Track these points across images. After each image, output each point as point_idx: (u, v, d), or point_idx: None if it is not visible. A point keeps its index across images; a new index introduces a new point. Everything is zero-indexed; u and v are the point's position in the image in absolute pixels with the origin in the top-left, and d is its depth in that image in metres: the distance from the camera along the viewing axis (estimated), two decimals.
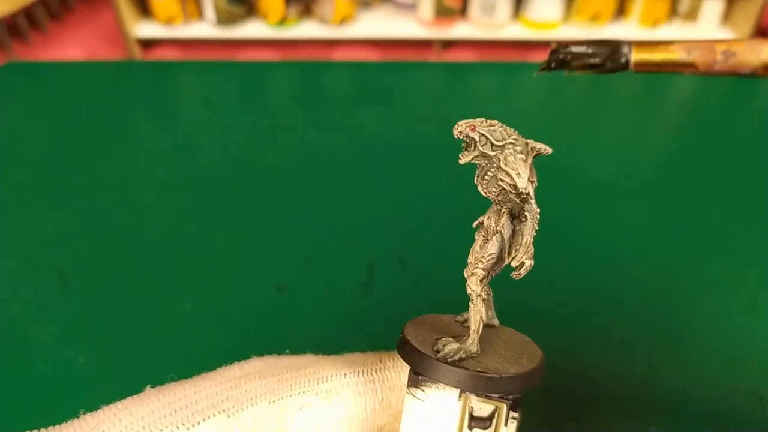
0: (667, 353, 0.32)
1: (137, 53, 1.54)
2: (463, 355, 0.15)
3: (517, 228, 0.16)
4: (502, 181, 0.15)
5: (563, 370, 0.26)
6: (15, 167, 0.48)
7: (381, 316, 0.34)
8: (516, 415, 0.14)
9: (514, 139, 0.15)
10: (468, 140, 0.15)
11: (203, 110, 0.58)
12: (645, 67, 0.13)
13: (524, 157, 0.15)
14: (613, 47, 0.14)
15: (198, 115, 0.57)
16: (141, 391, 0.15)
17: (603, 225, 0.42)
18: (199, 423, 0.14)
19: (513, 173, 0.15)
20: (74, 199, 0.45)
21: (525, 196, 0.15)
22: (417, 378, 0.15)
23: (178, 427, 0.14)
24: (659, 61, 0.13)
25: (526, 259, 0.16)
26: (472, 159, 0.15)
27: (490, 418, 0.15)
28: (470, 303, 0.16)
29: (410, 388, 0.15)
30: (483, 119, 0.15)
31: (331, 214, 0.43)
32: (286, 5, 1.51)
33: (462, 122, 0.15)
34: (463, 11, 1.54)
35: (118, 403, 0.15)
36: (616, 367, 0.31)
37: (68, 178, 0.47)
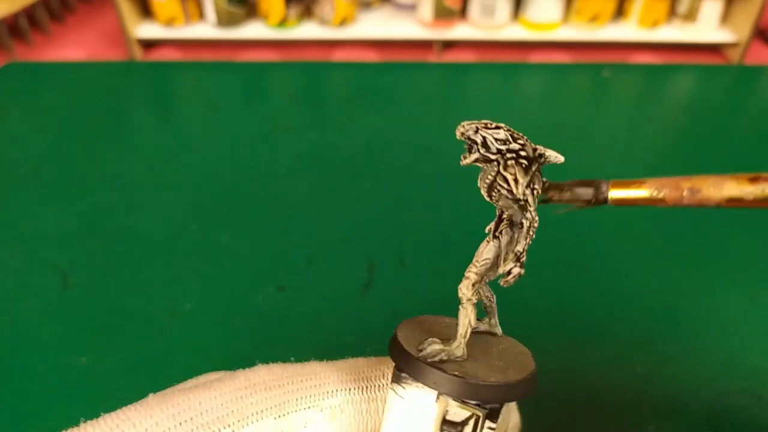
0: (666, 353, 0.32)
1: (138, 54, 1.54)
2: (445, 357, 0.15)
3: (514, 235, 0.16)
4: (500, 186, 0.15)
5: (563, 370, 0.27)
6: (16, 167, 0.48)
7: (381, 316, 0.34)
8: (493, 425, 0.14)
9: (520, 144, 0.15)
10: (470, 142, 0.15)
11: (204, 111, 0.58)
12: (621, 202, 0.14)
13: (527, 162, 0.15)
14: (594, 186, 0.15)
15: (199, 115, 0.57)
16: (143, 397, 0.15)
17: (602, 225, 0.42)
18: None
19: (510, 178, 0.15)
20: (75, 199, 0.45)
21: (523, 203, 0.15)
22: (399, 375, 0.15)
23: None
24: (633, 199, 0.14)
25: (515, 267, 0.15)
26: (474, 161, 0.15)
27: (463, 423, 0.14)
28: (460, 306, 0.16)
29: (392, 384, 0.15)
30: (489, 121, 0.15)
31: (331, 214, 0.43)
32: (287, 6, 1.51)
33: (465, 123, 0.15)
34: (462, 12, 1.54)
35: (119, 412, 0.14)
36: (616, 367, 0.31)
37: (69, 178, 0.47)
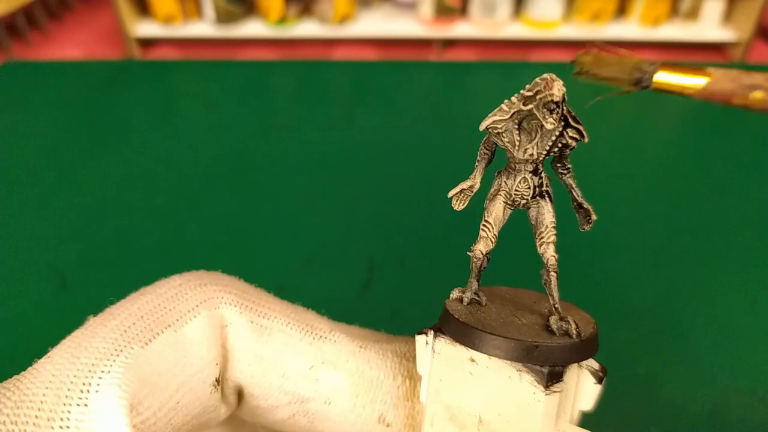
0: (667, 353, 0.32)
1: (136, 52, 1.54)
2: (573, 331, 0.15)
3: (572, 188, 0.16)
4: (570, 139, 0.15)
5: None
6: (14, 167, 0.48)
7: (381, 316, 0.34)
8: (558, 389, 0.14)
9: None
10: (558, 103, 0.14)
11: (202, 109, 0.58)
12: (664, 87, 0.13)
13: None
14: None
15: (197, 114, 0.57)
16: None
17: (603, 225, 0.42)
18: (150, 341, 0.14)
19: (582, 128, 0.15)
20: (73, 198, 0.44)
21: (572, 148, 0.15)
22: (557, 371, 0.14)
23: (133, 348, 0.14)
24: (679, 86, 0.13)
25: (592, 213, 0.16)
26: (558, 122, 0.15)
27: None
28: (553, 272, 0.15)
29: (547, 389, 0.14)
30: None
31: (330, 213, 0.43)
32: (286, 4, 1.51)
33: (558, 80, 0.14)
34: (463, 10, 1.53)
35: (65, 340, 0.14)
36: (616, 367, 0.31)
37: (67, 177, 0.47)
